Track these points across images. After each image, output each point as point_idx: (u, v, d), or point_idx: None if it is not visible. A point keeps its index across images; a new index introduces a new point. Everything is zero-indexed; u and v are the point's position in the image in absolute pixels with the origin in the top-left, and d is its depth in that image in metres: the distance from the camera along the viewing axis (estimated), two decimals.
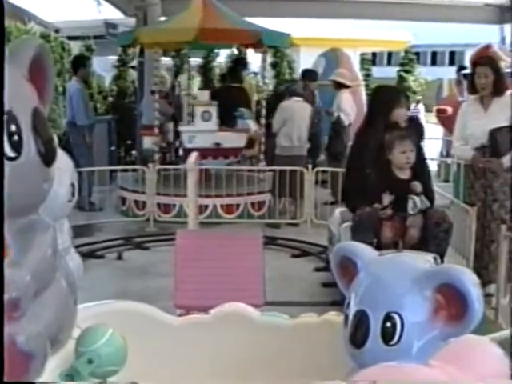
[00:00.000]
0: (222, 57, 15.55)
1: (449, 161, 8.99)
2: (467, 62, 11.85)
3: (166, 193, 7.96)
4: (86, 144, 8.61)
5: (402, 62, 16.44)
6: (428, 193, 4.49)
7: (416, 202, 4.35)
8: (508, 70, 7.97)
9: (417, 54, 18.08)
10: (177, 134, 8.93)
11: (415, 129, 5.30)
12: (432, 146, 10.81)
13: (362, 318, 1.68)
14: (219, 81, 11.96)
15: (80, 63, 9.01)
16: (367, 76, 16.03)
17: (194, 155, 6.11)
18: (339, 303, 2.19)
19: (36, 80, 1.69)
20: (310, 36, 13.09)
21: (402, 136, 4.47)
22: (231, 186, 7.98)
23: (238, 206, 8.03)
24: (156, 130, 8.58)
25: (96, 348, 1.82)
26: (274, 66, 14.43)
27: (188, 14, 8.54)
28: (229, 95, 9.30)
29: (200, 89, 9.65)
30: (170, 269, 3.77)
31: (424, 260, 2.60)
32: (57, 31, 12.21)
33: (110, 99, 13.14)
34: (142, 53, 10.00)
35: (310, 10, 13.08)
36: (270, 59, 14.19)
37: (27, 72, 1.66)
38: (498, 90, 5.12)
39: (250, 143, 8.70)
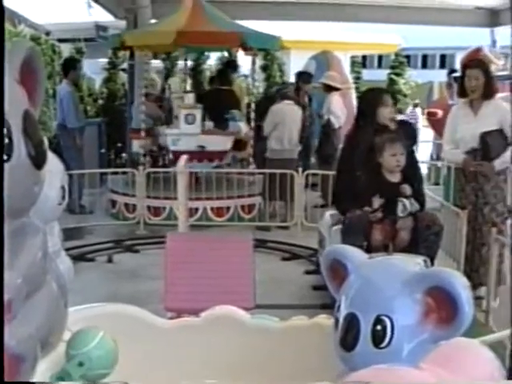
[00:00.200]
0: (213, 59, 15.56)
1: (439, 164, 9.04)
2: (458, 65, 11.90)
3: (156, 196, 7.95)
4: (76, 147, 8.60)
5: (393, 64, 16.51)
6: (418, 196, 4.50)
7: (406, 205, 4.36)
8: (499, 73, 8.03)
9: (407, 56, 18.14)
10: None
11: (407, 132, 5.30)
12: (423, 149, 10.87)
13: (352, 321, 1.69)
14: (208, 83, 11.96)
15: (70, 66, 9.00)
16: (357, 79, 16.07)
17: (183, 158, 6.11)
18: (329, 306, 2.20)
19: (27, 83, 1.68)
20: (300, 39, 13.10)
21: (392, 139, 4.48)
22: (221, 189, 7.98)
23: (228, 208, 8.03)
24: (143, 134, 8.60)
25: (87, 351, 1.83)
26: (265, 68, 14.45)
27: (176, 17, 8.59)
28: (218, 98, 9.30)
29: (185, 92, 9.64)
30: (161, 272, 3.77)
31: (414, 263, 2.61)
32: (47, 34, 12.18)
33: (101, 102, 13.13)
34: (132, 55, 9.99)
35: (300, 12, 13.12)
36: (260, 62, 14.23)
37: (18, 74, 1.66)
38: (488, 93, 5.13)
39: (241, 145, 8.70)
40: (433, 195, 6.16)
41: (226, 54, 13.94)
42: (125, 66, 12.12)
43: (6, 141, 1.53)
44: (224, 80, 9.98)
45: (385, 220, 4.40)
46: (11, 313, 1.55)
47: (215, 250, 3.71)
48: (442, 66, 35.84)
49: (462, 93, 5.30)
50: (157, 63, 13.50)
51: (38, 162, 1.65)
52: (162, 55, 13.36)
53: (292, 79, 11.94)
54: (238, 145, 8.68)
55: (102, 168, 9.95)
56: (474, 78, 5.11)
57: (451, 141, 5.31)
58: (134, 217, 7.94)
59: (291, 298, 5.41)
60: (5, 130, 1.53)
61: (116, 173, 9.20)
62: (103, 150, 11.01)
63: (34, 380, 1.68)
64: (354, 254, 1.88)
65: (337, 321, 1.75)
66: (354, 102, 10.70)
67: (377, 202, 4.37)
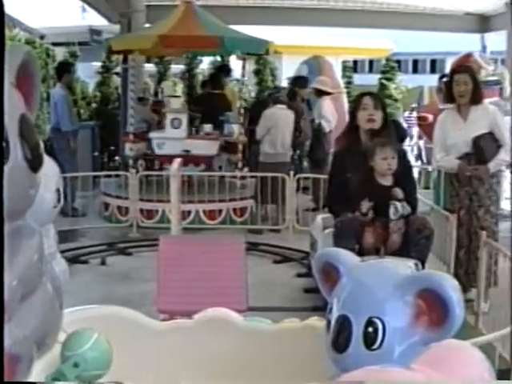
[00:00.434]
0: (205, 63, 15.59)
1: (429, 168, 9.08)
2: (448, 70, 11.96)
3: (149, 198, 7.97)
4: (70, 150, 8.62)
5: (384, 69, 16.53)
6: (411, 199, 4.52)
7: (398, 208, 4.37)
8: (489, 79, 8.08)
9: (398, 61, 18.16)
10: None
11: (396, 132, 5.32)
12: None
13: (344, 323, 1.70)
14: (200, 87, 12.00)
15: (64, 69, 9.02)
16: (349, 83, 16.10)
17: (177, 161, 6.13)
18: (321, 309, 2.22)
19: (23, 87, 1.70)
20: (292, 43, 13.17)
21: (382, 143, 4.50)
22: (213, 192, 8.00)
23: (220, 211, 8.05)
24: (131, 137, 8.62)
25: (82, 352, 1.83)
26: (257, 73, 14.49)
27: (165, 22, 8.69)
28: (210, 101, 9.35)
29: (171, 96, 9.69)
30: (154, 274, 3.79)
31: (405, 266, 2.64)
32: (42, 37, 12.21)
33: (94, 105, 13.15)
34: (125, 59, 10.01)
35: (292, 18, 13.17)
36: (252, 66, 14.27)
37: (14, 79, 1.67)
38: (476, 98, 5.16)
39: (234, 148, 8.73)
40: (423, 199, 6.19)
41: (218, 58, 13.99)
42: (118, 69, 12.14)
43: (3, 144, 1.55)
44: (216, 84, 10.02)
45: (376, 223, 4.42)
46: (7, 314, 1.56)
47: (208, 252, 3.73)
48: (433, 70, 35.96)
49: (450, 98, 5.32)
50: (150, 67, 13.53)
51: (35, 165, 1.67)
52: (154, 59, 13.38)
53: (284, 84, 12.00)
54: (232, 148, 8.70)
55: (95, 171, 9.97)
56: (462, 84, 5.14)
57: (442, 148, 5.32)
58: (127, 219, 7.95)
59: (283, 300, 5.43)
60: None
61: (109, 176, 9.22)
62: (96, 153, 11.02)
63: (29, 380, 1.70)
64: (346, 257, 1.89)
65: (329, 323, 1.76)
66: (346, 107, 10.76)
67: (365, 205, 4.39)
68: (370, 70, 32.94)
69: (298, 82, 9.58)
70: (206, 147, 8.50)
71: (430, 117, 8.84)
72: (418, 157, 13.02)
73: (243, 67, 9.26)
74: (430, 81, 14.64)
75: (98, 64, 13.78)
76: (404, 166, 4.63)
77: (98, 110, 12.86)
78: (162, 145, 8.47)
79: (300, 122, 8.56)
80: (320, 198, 7.53)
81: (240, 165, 8.63)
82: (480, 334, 4.04)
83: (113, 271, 6.34)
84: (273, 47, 9.11)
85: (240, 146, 8.64)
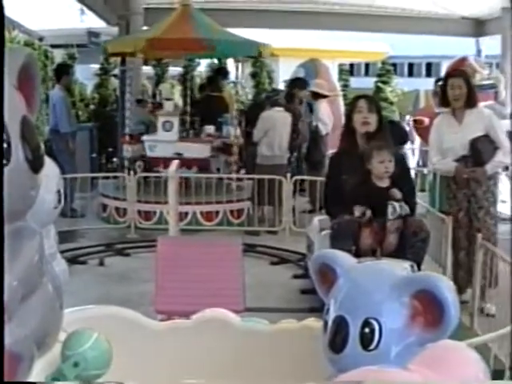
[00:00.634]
0: (203, 66, 15.61)
1: (425, 170, 9.13)
2: (444, 74, 12.00)
3: (147, 200, 7.99)
4: (68, 151, 8.65)
5: (380, 72, 16.59)
6: (409, 201, 4.52)
7: (395, 208, 4.39)
8: (484, 82, 8.12)
9: (394, 65, 18.23)
10: None
11: (396, 132, 5.33)
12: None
13: (341, 324, 1.71)
14: (198, 90, 12.03)
15: (63, 71, 9.05)
16: (345, 86, 16.15)
17: (174, 163, 6.15)
18: (317, 310, 2.24)
19: (24, 89, 1.71)
20: (289, 46, 13.20)
21: (379, 146, 4.52)
22: (211, 194, 8.02)
23: (217, 213, 8.07)
24: (129, 138, 8.64)
25: (82, 351, 1.84)
26: (254, 75, 14.52)
27: (160, 25, 8.73)
28: (209, 104, 9.38)
29: (166, 99, 9.74)
30: (151, 275, 3.80)
31: (402, 267, 2.66)
32: (40, 39, 12.21)
33: (92, 107, 13.19)
34: (123, 61, 10.04)
35: (289, 21, 13.22)
36: (249, 69, 14.32)
37: (16, 81, 1.69)
38: (470, 101, 5.20)
39: (231, 150, 8.75)
40: (419, 201, 6.21)
41: (215, 61, 14.03)
42: (116, 71, 12.17)
43: (5, 146, 1.56)
44: (215, 87, 10.05)
45: (373, 224, 4.44)
46: (7, 314, 1.58)
47: (205, 254, 3.75)
48: (428, 74, 36.06)
49: (445, 102, 5.35)
50: (148, 69, 13.56)
51: (36, 166, 1.68)
52: (152, 61, 13.41)
53: (281, 86, 12.03)
54: (229, 149, 8.72)
55: (93, 172, 9.99)
56: (457, 87, 5.17)
57: (438, 151, 5.34)
58: (125, 221, 7.97)
59: (280, 301, 5.45)
60: (4, 136, 1.56)
61: (107, 177, 9.24)
62: (94, 155, 11.06)
63: (29, 379, 1.71)
64: (343, 259, 1.90)
65: (326, 323, 1.77)
66: (342, 109, 10.79)
67: (358, 210, 4.41)
68: (366, 73, 33.01)
69: (298, 83, 9.57)
70: (197, 150, 8.52)
71: (426, 120, 8.88)
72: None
73: (236, 69, 9.30)
74: (426, 84, 14.70)
75: (96, 66, 13.82)
76: (402, 168, 4.65)
77: (96, 111, 12.88)
78: (153, 147, 8.52)
79: (298, 125, 8.57)
80: (317, 199, 7.56)
81: (234, 167, 8.65)
82: (475, 334, 4.06)
83: (111, 272, 6.36)
84: (268, 50, 9.13)
85: (236, 148, 8.66)
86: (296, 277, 6.20)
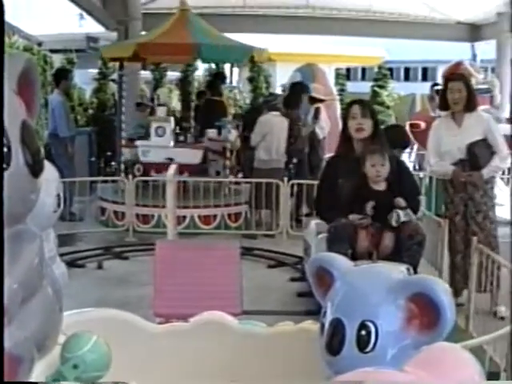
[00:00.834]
0: (201, 70, 15.63)
1: (421, 174, 9.14)
2: (440, 78, 12.05)
3: (145, 204, 8.02)
4: (67, 155, 8.67)
5: (376, 77, 16.66)
6: (412, 202, 4.53)
7: (400, 215, 4.40)
8: (479, 87, 8.16)
9: (390, 69, 18.27)
10: None
11: (396, 135, 5.32)
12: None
13: (337, 326, 1.71)
14: (197, 95, 12.06)
15: (62, 76, 9.09)
16: (342, 91, 16.21)
17: (173, 167, 6.16)
18: (314, 313, 2.25)
19: (24, 93, 1.72)
20: (286, 51, 13.24)
21: (372, 150, 4.53)
22: (209, 198, 8.04)
23: (215, 217, 8.09)
24: (127, 142, 8.66)
25: (81, 354, 1.85)
26: (251, 80, 14.55)
27: (157, 30, 8.75)
28: (209, 108, 9.43)
29: (159, 105, 9.79)
30: (150, 278, 3.81)
31: (398, 270, 2.68)
32: (39, 44, 12.27)
33: (91, 111, 13.24)
34: (121, 66, 10.08)
35: (286, 26, 13.28)
36: (247, 74, 14.36)
37: (16, 86, 1.70)
38: (470, 105, 5.22)
39: (229, 154, 8.77)
40: None
41: (213, 65, 14.06)
42: (115, 76, 12.20)
43: (5, 150, 1.57)
44: (214, 91, 10.08)
45: (370, 227, 4.45)
46: (8, 317, 1.59)
47: (203, 257, 3.76)
48: (424, 78, 36.12)
49: (444, 106, 5.37)
50: (146, 74, 13.60)
51: (35, 170, 1.70)
52: (150, 66, 13.45)
53: (278, 91, 12.06)
54: (227, 153, 8.74)
55: (91, 176, 10.00)
56: (456, 91, 5.19)
57: (436, 154, 5.36)
58: (123, 224, 7.99)
59: (277, 304, 5.47)
60: (4, 140, 1.58)
61: (106, 181, 9.27)
62: (93, 159, 11.09)
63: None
64: (340, 262, 1.91)
65: (322, 326, 1.78)
66: (339, 114, 10.82)
67: (369, 206, 4.42)
68: (363, 78, 33.05)
69: (298, 87, 9.45)
70: (189, 156, 8.56)
71: (422, 124, 8.92)
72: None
73: (231, 73, 9.33)
74: (422, 88, 14.76)
75: (95, 71, 13.89)
76: (400, 171, 4.65)
77: (94, 116, 12.94)
78: (146, 152, 8.57)
79: (294, 129, 8.58)
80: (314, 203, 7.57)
81: (228, 171, 8.66)
82: (470, 337, 4.08)
83: (109, 275, 6.37)
84: (265, 55, 9.15)
85: (233, 152, 8.67)
86: (293, 280, 6.21)
